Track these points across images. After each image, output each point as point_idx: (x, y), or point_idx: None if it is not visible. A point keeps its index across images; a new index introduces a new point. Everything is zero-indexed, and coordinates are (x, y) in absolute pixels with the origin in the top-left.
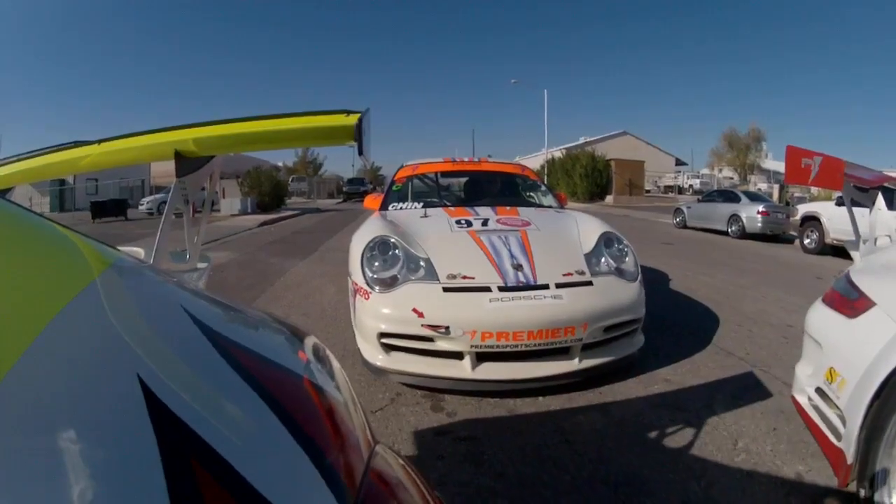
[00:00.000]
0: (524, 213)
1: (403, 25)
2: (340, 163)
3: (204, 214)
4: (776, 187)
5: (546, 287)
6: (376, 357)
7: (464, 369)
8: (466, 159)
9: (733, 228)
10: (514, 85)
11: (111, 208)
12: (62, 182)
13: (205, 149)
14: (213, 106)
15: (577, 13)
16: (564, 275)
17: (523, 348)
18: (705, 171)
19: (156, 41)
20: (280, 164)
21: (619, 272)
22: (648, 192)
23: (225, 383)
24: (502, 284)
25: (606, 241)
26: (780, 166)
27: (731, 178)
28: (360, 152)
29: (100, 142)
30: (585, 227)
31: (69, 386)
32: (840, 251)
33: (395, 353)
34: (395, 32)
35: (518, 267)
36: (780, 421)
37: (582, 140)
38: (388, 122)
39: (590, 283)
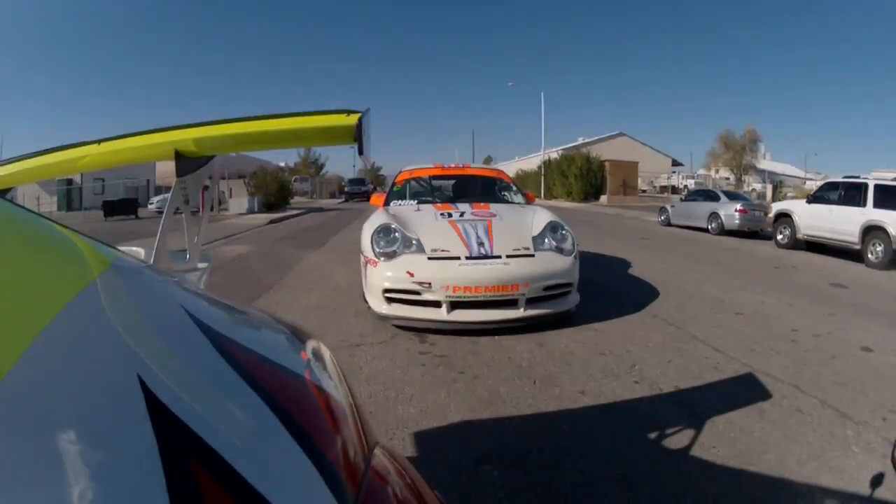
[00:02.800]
0: (494, 207)
1: (404, 27)
2: (341, 163)
3: (204, 214)
4: (769, 187)
5: (499, 257)
6: (381, 307)
7: (441, 314)
8: (453, 165)
9: (713, 225)
10: (511, 87)
11: (122, 207)
12: (69, 182)
13: (205, 149)
14: (213, 106)
15: (575, 14)
16: (514, 249)
17: (482, 298)
18: (702, 171)
19: (156, 41)
20: (282, 164)
21: (559, 249)
22: (644, 192)
23: (225, 383)
24: (468, 255)
25: (552, 227)
26: (776, 167)
27: (728, 179)
28: (361, 152)
29: (99, 141)
30: (538, 218)
31: (69, 386)
32: (816, 247)
33: (394, 304)
34: (395, 34)
35: (481, 244)
36: (676, 357)
37: (580, 140)
38: (388, 123)
39: (532, 255)
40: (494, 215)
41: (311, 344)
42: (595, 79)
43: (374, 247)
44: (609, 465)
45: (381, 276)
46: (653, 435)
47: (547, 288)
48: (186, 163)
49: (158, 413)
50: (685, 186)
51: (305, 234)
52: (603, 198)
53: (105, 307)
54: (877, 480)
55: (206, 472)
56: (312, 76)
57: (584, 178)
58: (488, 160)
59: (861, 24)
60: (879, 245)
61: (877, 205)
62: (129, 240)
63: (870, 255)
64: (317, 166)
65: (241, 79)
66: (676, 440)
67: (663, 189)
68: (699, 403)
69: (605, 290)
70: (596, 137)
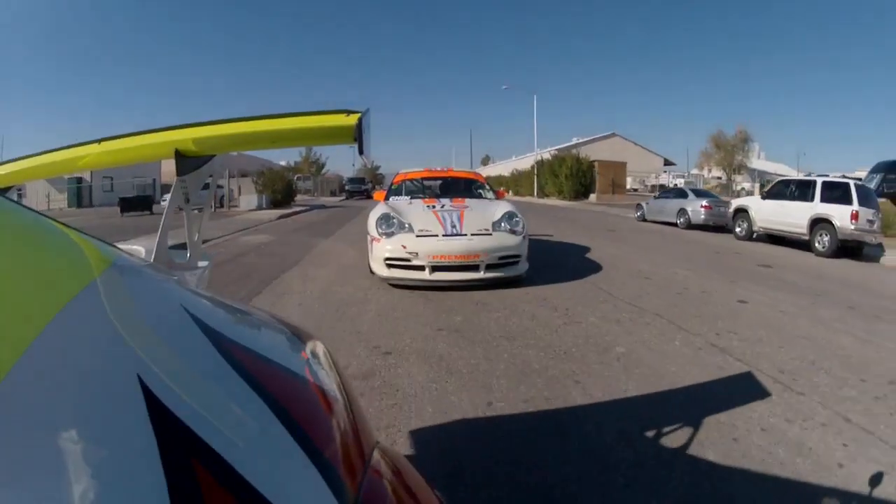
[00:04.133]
0: (468, 201)
1: (403, 31)
2: (340, 161)
3: (205, 213)
4: (757, 186)
5: (465, 235)
6: (383, 271)
7: (425, 275)
8: (440, 169)
9: (681, 220)
10: (505, 90)
11: (137, 204)
12: (79, 180)
13: (205, 148)
14: (212, 106)
15: (572, 17)
16: (477, 230)
17: (454, 264)
18: (696, 171)
19: (155, 41)
20: (283, 162)
21: (512, 231)
22: (636, 190)
23: (225, 383)
24: (444, 233)
25: (508, 215)
26: (770, 166)
27: (720, 178)
28: (361, 152)
29: (100, 141)
30: (499, 209)
31: (69, 385)
32: (778, 240)
33: (392, 269)
34: (396, 36)
35: (454, 226)
36: (600, 307)
37: (574, 140)
38: (388, 124)
39: (490, 234)
40: (467, 206)
41: (310, 344)
42: (590, 80)
43: (378, 229)
44: (501, 326)
45: (383, 249)
46: (558, 322)
47: (501, 258)
48: (186, 162)
49: (158, 412)
50: (675, 185)
51: (315, 227)
52: (592, 196)
53: (105, 306)
54: (875, 479)
55: (206, 471)
56: (313, 77)
57: (574, 177)
58: (486, 160)
59: (855, 25)
60: (826, 235)
61: (823, 199)
62: (150, 233)
63: (817, 245)
64: (317, 166)
65: (241, 80)
66: (563, 327)
67: (654, 188)
68: (583, 320)
69: (558, 266)
70: (589, 137)
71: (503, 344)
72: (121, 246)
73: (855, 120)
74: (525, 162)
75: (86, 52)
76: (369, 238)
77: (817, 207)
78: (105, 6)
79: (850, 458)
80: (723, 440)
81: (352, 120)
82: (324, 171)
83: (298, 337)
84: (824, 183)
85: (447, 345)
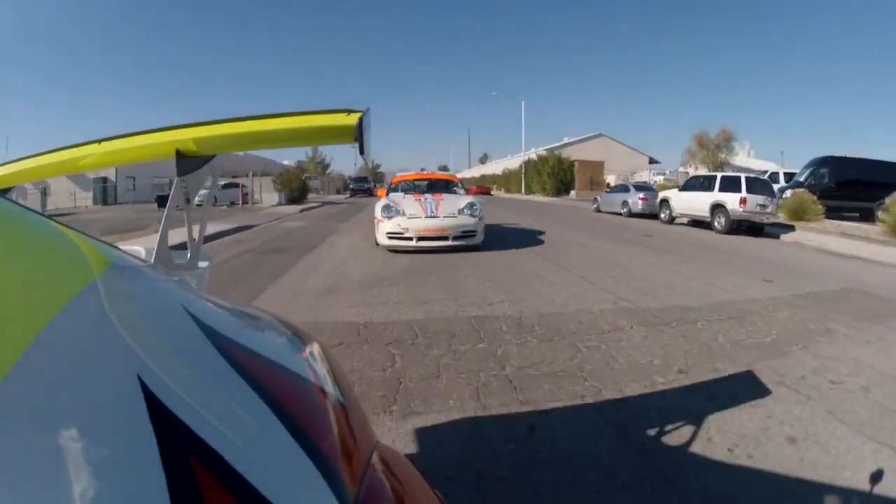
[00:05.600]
0: (444, 195)
1: (404, 31)
2: (342, 161)
3: (205, 212)
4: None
5: (439, 217)
6: (384, 242)
7: (412, 243)
8: (426, 172)
9: (624, 210)
10: (495, 96)
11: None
12: (105, 179)
13: (205, 148)
14: (212, 106)
15: (563, 22)
16: (447, 214)
17: (431, 235)
18: (681, 168)
19: (155, 42)
20: (285, 161)
21: (471, 215)
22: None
23: (225, 383)
24: (426, 216)
25: (469, 205)
26: (753, 163)
27: None
28: (362, 151)
29: (100, 141)
30: (465, 200)
31: (69, 386)
32: (696, 223)
33: (391, 240)
34: (395, 40)
35: (432, 211)
36: (535, 263)
37: (566, 140)
38: (387, 125)
39: (455, 217)
40: (442, 199)
41: (311, 344)
42: (585, 82)
43: (382, 214)
44: (458, 271)
45: (385, 227)
46: (502, 266)
47: (463, 232)
48: (187, 162)
49: (158, 413)
50: (655, 182)
51: (333, 217)
52: (573, 192)
53: (106, 307)
54: (876, 477)
55: (207, 471)
56: (312, 77)
57: (555, 176)
58: (484, 158)
59: (847, 23)
60: (722, 217)
61: (721, 189)
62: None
63: (716, 224)
64: (323, 166)
65: (241, 81)
66: (503, 271)
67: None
68: (520, 265)
69: (512, 242)
70: (577, 138)
71: (456, 277)
72: (121, 246)
73: (840, 119)
74: (515, 162)
75: (86, 52)
76: (376, 221)
77: (716, 196)
78: (105, 6)
79: (584, 291)
80: (541, 300)
81: (352, 119)
82: (328, 171)
83: (298, 337)
84: (723, 177)
85: (419, 278)
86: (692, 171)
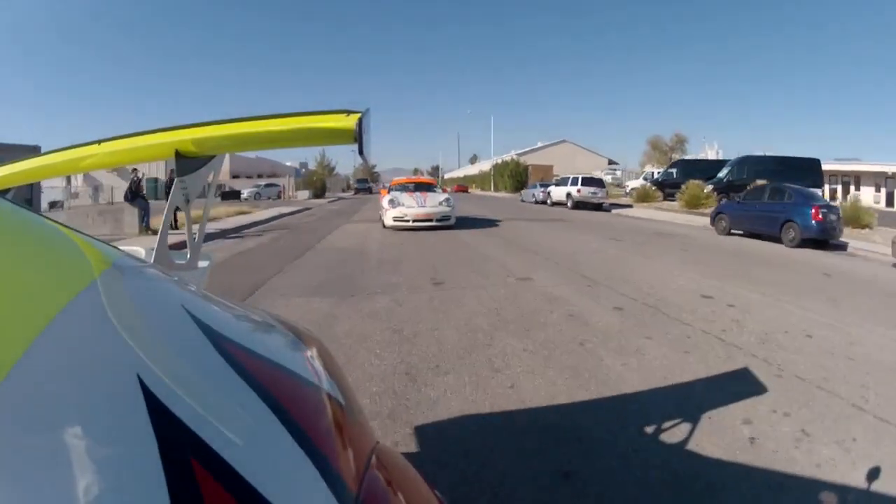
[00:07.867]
0: (428, 193)
1: (403, 32)
2: (342, 161)
3: (205, 212)
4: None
5: (426, 207)
6: (389, 223)
7: (409, 224)
8: (417, 177)
9: (569, 202)
10: (469, 114)
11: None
12: (156, 180)
13: (205, 149)
14: (212, 106)
15: (551, 31)
16: (431, 205)
17: (421, 219)
18: (639, 168)
19: (156, 41)
20: (288, 163)
21: (447, 206)
22: None
23: (225, 383)
24: (418, 206)
25: (446, 199)
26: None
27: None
28: (361, 152)
29: (100, 142)
30: (442, 196)
31: (70, 386)
32: (561, 203)
33: (395, 222)
34: (397, 39)
35: (421, 203)
36: (497, 243)
37: (539, 144)
38: (387, 125)
39: (436, 207)
40: (427, 195)
41: (311, 344)
42: (561, 92)
43: (388, 205)
44: (439, 241)
45: (390, 214)
46: (469, 243)
47: (441, 217)
48: (186, 163)
49: (158, 413)
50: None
51: (353, 205)
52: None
53: (106, 307)
54: (873, 474)
55: (206, 471)
56: (313, 77)
57: (513, 177)
58: (474, 158)
59: (818, 26)
60: (570, 199)
61: (571, 184)
62: (231, 215)
63: (567, 205)
64: (328, 168)
65: (239, 80)
66: (468, 246)
67: None
68: (479, 245)
69: (478, 226)
70: (541, 144)
71: (437, 246)
72: (121, 247)
73: (818, 119)
74: (488, 165)
75: (86, 53)
76: (383, 210)
77: (569, 188)
78: (105, 6)
79: (496, 242)
80: (490, 264)
81: (352, 120)
82: (333, 172)
83: (298, 337)
84: (573, 178)
85: (410, 245)
86: (648, 170)
